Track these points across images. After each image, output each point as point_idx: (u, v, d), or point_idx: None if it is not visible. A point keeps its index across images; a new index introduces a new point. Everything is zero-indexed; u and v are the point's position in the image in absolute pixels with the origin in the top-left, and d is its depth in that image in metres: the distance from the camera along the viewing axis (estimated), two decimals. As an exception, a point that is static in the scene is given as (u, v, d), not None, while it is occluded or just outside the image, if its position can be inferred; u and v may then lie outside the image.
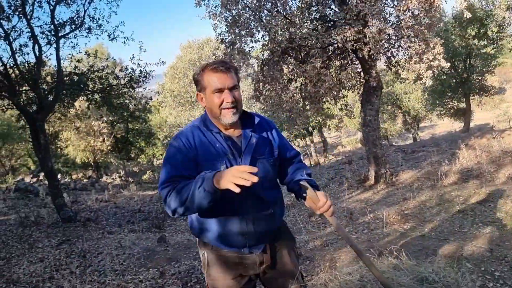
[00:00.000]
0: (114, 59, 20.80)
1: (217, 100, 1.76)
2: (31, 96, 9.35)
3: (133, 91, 10.55)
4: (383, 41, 7.97)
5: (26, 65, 8.84)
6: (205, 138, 1.83)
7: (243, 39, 7.85)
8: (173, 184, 1.73)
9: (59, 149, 20.90)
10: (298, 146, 27.10)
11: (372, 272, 1.67)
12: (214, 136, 1.83)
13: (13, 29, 8.47)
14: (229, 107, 1.76)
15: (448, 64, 7.94)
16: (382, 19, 7.42)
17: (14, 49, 8.38)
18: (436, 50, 7.59)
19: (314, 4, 8.39)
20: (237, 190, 1.48)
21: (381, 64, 9.85)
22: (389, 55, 9.34)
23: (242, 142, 1.84)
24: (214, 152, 1.80)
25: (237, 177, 1.48)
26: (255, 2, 8.01)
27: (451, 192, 6.78)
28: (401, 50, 9.06)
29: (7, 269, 6.04)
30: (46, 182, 9.92)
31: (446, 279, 2.01)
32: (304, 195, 1.79)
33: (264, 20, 7.89)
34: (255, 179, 1.47)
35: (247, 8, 8.00)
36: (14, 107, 8.90)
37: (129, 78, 9.94)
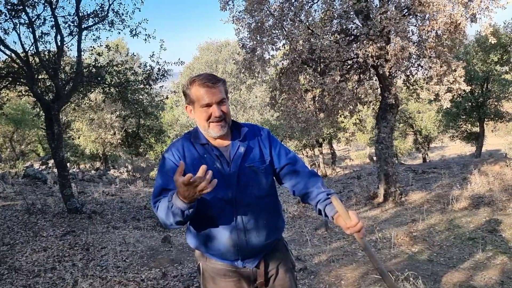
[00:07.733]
0: (134, 54, 20.91)
1: (205, 114, 1.80)
2: (48, 84, 9.41)
3: (149, 88, 10.58)
4: (404, 59, 7.93)
5: (47, 53, 8.90)
6: (194, 150, 1.86)
7: (264, 46, 7.84)
8: (161, 198, 1.79)
9: (70, 139, 21.04)
10: (307, 156, 26.96)
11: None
12: (203, 147, 1.86)
13: (38, 18, 8.56)
14: (217, 121, 1.80)
15: (469, 88, 7.86)
16: (405, 37, 7.38)
17: (37, 37, 8.44)
18: (457, 72, 7.52)
19: (336, 16, 8.38)
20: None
21: (398, 82, 9.80)
22: (408, 73, 9.29)
23: (230, 151, 1.86)
24: (202, 163, 1.79)
25: (182, 191, 1.52)
26: (278, 10, 8.01)
27: (461, 218, 6.69)
28: (421, 70, 9.01)
29: (10, 256, 6.04)
30: (55, 170, 9.96)
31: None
32: (331, 214, 1.74)
33: (286, 29, 7.87)
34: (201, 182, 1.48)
35: (270, 16, 8.00)
36: (31, 94, 8.96)
37: (146, 75, 9.97)
